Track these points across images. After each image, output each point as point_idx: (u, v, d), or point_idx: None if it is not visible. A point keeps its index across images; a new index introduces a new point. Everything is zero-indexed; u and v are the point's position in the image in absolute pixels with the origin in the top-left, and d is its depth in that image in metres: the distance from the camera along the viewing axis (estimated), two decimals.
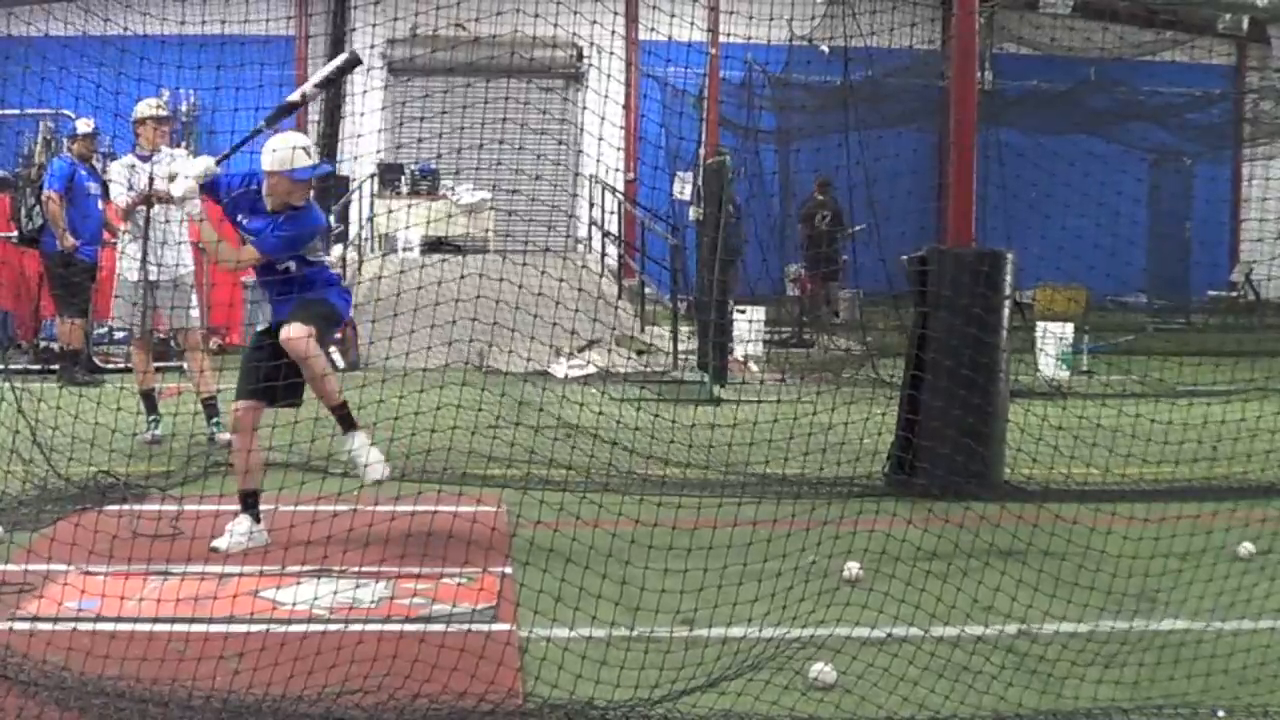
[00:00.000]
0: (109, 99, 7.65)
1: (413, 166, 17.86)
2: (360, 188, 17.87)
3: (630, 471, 7.84)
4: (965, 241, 8.12)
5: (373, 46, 18.11)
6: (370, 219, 17.88)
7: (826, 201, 17.54)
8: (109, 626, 4.70)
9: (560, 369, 13.07)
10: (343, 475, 7.02)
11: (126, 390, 9.35)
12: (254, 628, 4.83)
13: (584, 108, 18.77)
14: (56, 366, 11.96)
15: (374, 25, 17.09)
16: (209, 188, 6.29)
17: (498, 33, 7.80)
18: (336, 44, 19.08)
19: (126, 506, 6.60)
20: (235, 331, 14.65)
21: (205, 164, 6.20)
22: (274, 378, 6.13)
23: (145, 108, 8.80)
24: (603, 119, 9.53)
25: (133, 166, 8.75)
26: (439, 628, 4.82)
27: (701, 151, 14.54)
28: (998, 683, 4.35)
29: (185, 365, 9.88)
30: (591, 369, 13.25)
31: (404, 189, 18.01)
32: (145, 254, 8.63)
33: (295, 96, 6.56)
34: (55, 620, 4.79)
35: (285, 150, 6.15)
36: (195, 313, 9.11)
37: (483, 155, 7.93)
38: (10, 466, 6.92)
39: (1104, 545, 5.64)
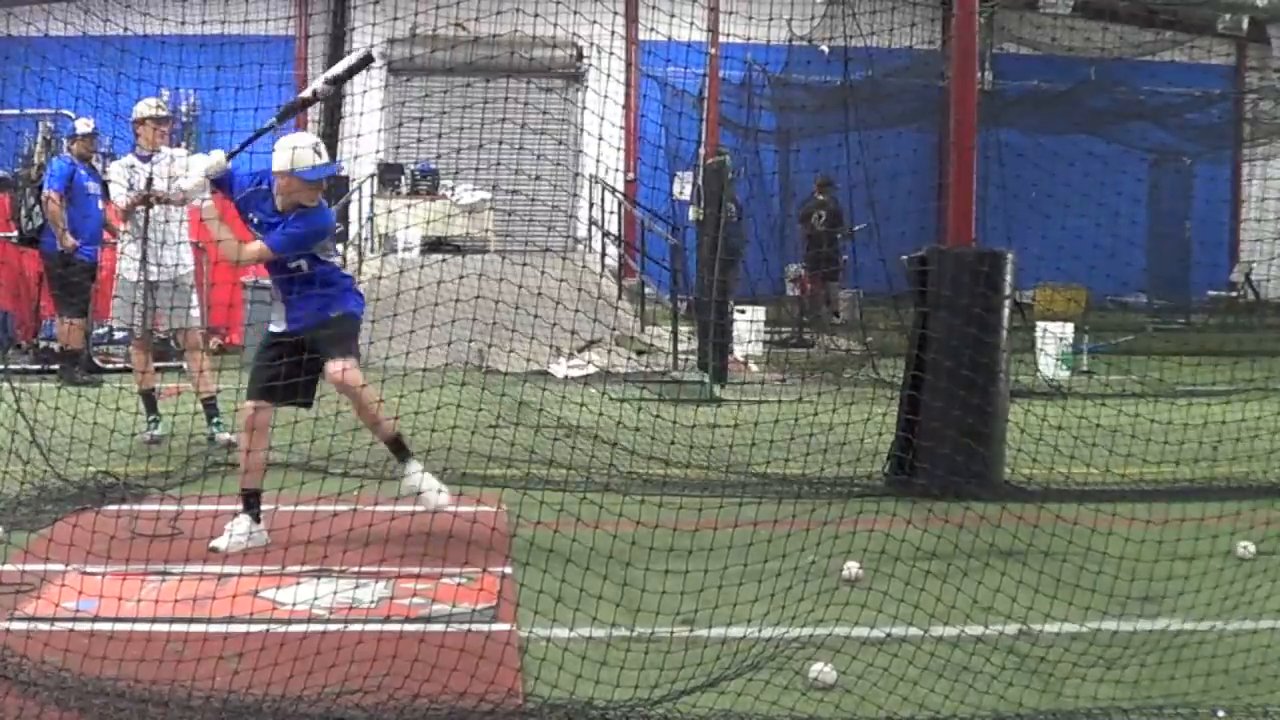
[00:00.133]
0: (109, 99, 7.64)
1: (413, 166, 17.85)
2: (360, 187, 17.88)
3: (630, 472, 7.84)
4: (965, 241, 8.12)
5: (372, 46, 18.07)
6: (370, 219, 17.87)
7: (825, 201, 17.54)
8: (108, 627, 4.69)
9: (560, 369, 13.07)
10: (343, 475, 7.03)
11: (126, 390, 9.36)
12: (254, 628, 4.82)
13: (584, 107, 18.77)
14: (56, 366, 11.96)
15: (374, 25, 17.08)
16: (222, 184, 6.29)
17: (497, 32, 7.79)
18: (336, 44, 19.08)
19: (126, 506, 6.60)
20: (235, 331, 14.65)
21: (216, 158, 6.20)
22: (287, 379, 6.14)
23: (145, 108, 8.79)
24: (602, 119, 9.55)
25: (132, 166, 8.74)
26: (439, 628, 4.82)
27: (701, 151, 14.55)
28: (998, 683, 4.34)
29: (185, 365, 9.87)
30: (591, 369, 13.24)
31: (404, 189, 18.00)
32: (145, 254, 8.62)
33: (307, 93, 6.56)
34: (54, 620, 4.78)
35: (294, 151, 6.14)
36: (195, 312, 9.10)
37: (482, 155, 7.92)
38: (9, 466, 6.91)
39: (1104, 546, 5.63)
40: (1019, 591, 5.17)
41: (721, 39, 14.16)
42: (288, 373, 6.13)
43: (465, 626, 4.84)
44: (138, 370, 9.03)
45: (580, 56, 19.77)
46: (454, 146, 10.40)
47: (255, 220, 6.30)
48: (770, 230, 17.26)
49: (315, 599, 5.32)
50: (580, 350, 13.61)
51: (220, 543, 6.08)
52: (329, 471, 7.12)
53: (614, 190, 17.91)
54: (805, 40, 14.82)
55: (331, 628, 4.82)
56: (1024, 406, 8.43)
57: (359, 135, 16.75)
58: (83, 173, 11.64)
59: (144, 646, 4.42)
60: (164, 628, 4.72)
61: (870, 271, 13.31)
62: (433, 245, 16.59)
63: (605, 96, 11.96)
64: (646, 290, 16.67)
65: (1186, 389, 9.92)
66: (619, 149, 18.50)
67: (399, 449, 6.40)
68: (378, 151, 17.95)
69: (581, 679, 4.28)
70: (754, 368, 14.04)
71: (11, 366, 11.64)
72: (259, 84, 6.81)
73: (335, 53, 19.10)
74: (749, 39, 10.71)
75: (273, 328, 6.41)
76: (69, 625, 4.68)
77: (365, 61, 6.69)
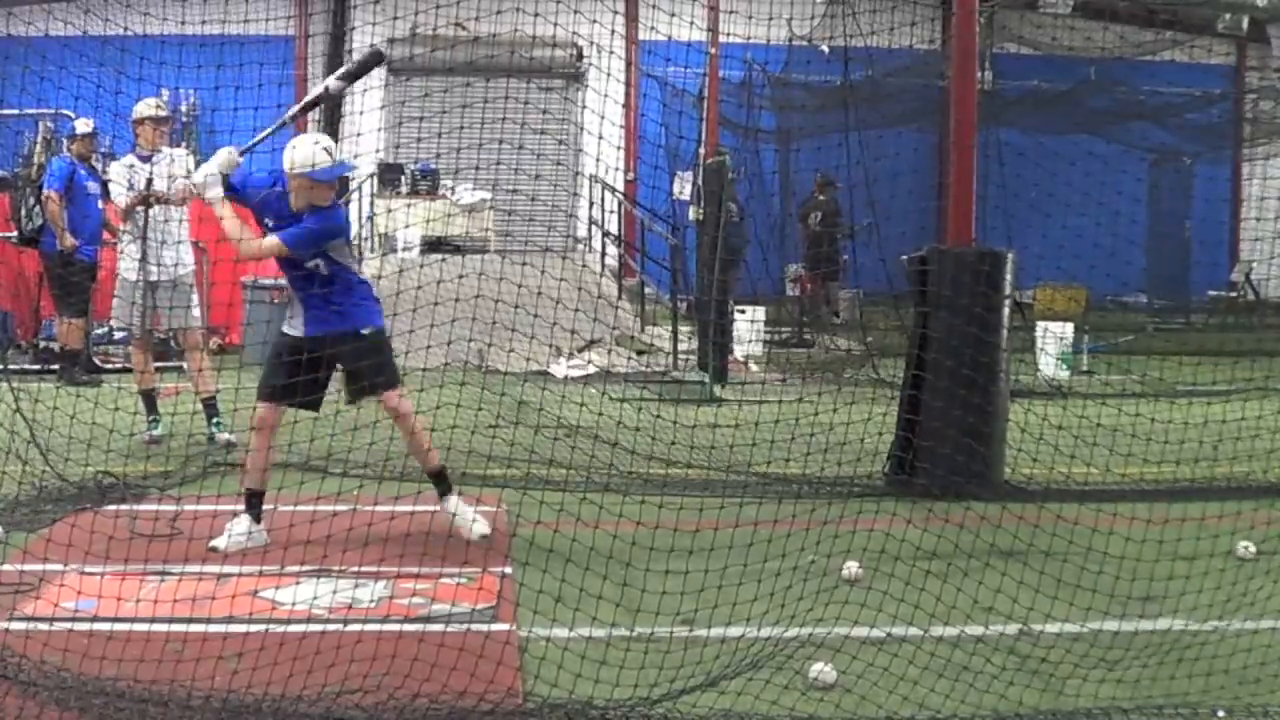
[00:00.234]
0: (109, 99, 7.64)
1: (412, 166, 17.85)
2: (360, 187, 17.87)
3: (630, 472, 7.83)
4: (965, 241, 8.11)
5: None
6: (370, 218, 17.87)
7: (825, 201, 17.54)
8: (108, 627, 4.69)
9: (560, 369, 13.07)
10: (342, 475, 7.03)
11: (126, 390, 9.36)
12: (253, 628, 4.82)
13: (584, 107, 18.76)
14: (56, 366, 11.95)
15: (374, 25, 17.08)
16: (237, 189, 6.25)
17: (497, 32, 7.78)
18: (336, 43, 19.07)
19: (126, 506, 6.59)
20: (235, 331, 14.64)
21: (228, 153, 6.18)
22: (300, 383, 6.14)
23: (144, 108, 8.79)
24: (603, 118, 9.54)
25: (131, 166, 8.74)
26: (438, 627, 4.82)
27: (701, 151, 14.54)
28: (998, 683, 4.34)
29: (185, 365, 9.87)
30: (591, 369, 13.24)
31: (404, 189, 18.00)
32: (144, 254, 8.62)
33: (320, 90, 6.55)
34: (53, 620, 4.78)
35: (307, 151, 6.11)
36: (196, 312, 9.09)
37: (483, 155, 7.92)
38: (9, 466, 6.91)
39: (1104, 546, 5.63)
40: (1019, 591, 5.17)
41: (721, 38, 14.14)
42: (299, 377, 6.12)
43: (465, 626, 4.84)
44: (138, 370, 9.03)
45: (580, 56, 19.76)
46: (454, 146, 10.38)
47: (270, 223, 6.25)
48: (770, 230, 17.25)
49: (315, 599, 5.32)
50: (580, 350, 13.61)
51: (219, 542, 6.08)
52: (329, 471, 7.12)
53: (614, 190, 17.91)
54: (805, 40, 14.82)
55: (331, 627, 4.82)
56: (1024, 406, 8.44)
57: (359, 135, 16.74)
58: (82, 173, 11.64)
59: (144, 646, 4.42)
60: (164, 628, 4.72)
61: (870, 271, 13.30)
62: (433, 245, 16.59)
63: (605, 96, 11.96)
64: (646, 290, 16.67)
65: (1187, 389, 9.93)
66: (619, 148, 18.50)
67: (440, 481, 6.37)
68: (377, 151, 17.94)
69: (581, 679, 4.27)
70: (754, 368, 14.03)
71: (11, 366, 11.64)
72: (259, 84, 6.81)
73: (335, 52, 19.11)
74: (749, 38, 10.70)
75: (288, 330, 6.36)
76: (69, 625, 4.68)
77: (377, 58, 6.68)
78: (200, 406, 8.75)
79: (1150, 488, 7.71)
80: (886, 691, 4.24)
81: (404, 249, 16.63)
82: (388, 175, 18.11)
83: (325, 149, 6.16)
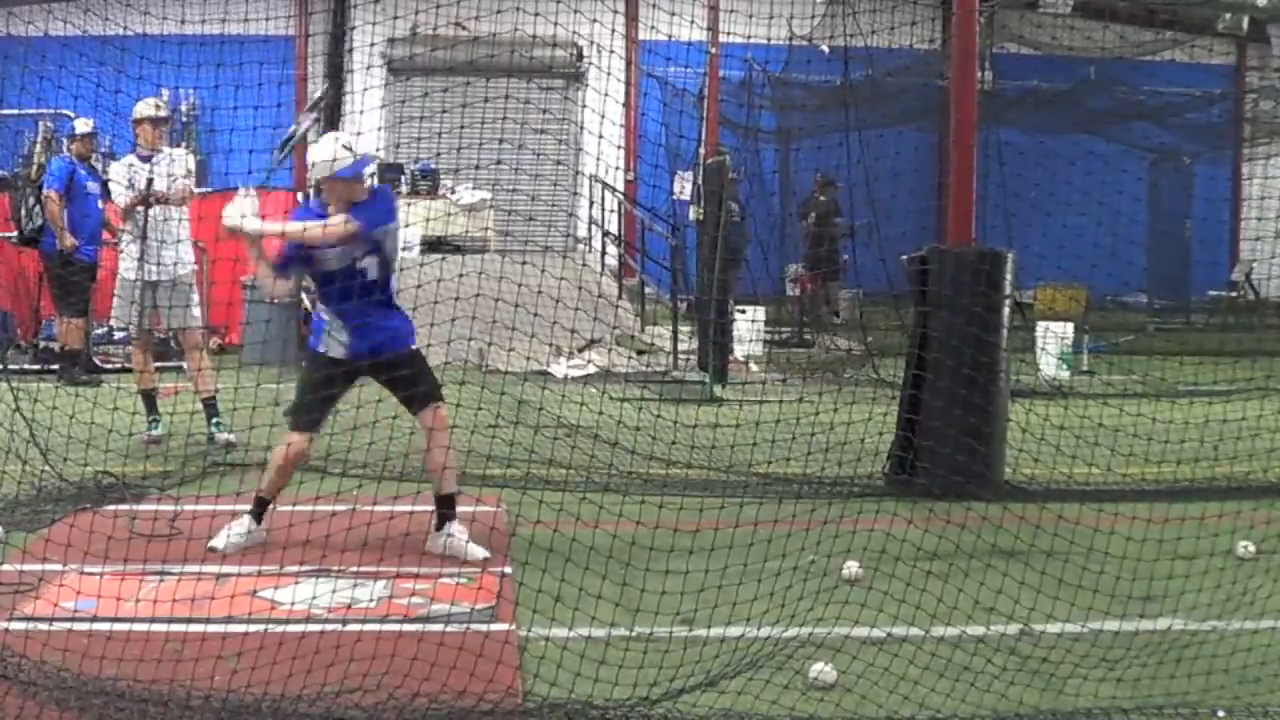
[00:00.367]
0: (109, 99, 7.64)
1: (412, 166, 17.84)
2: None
3: (630, 472, 7.83)
4: (965, 241, 8.11)
5: (372, 45, 18.09)
6: None
7: (826, 201, 17.54)
8: (108, 627, 4.69)
9: (560, 369, 13.06)
10: (341, 475, 7.03)
11: (125, 390, 9.35)
12: (253, 627, 4.82)
13: (584, 106, 18.75)
14: (56, 366, 11.95)
15: (374, 24, 17.07)
16: (297, 255, 6.17)
17: (498, 32, 7.78)
18: (336, 43, 19.06)
19: (126, 506, 6.59)
20: (234, 331, 14.64)
21: (250, 197, 6.09)
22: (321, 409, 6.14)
23: (143, 108, 8.79)
24: (603, 118, 9.51)
25: (131, 166, 8.74)
26: (438, 627, 4.81)
27: (701, 151, 14.54)
28: (999, 682, 4.34)
29: (185, 365, 9.86)
30: (591, 369, 13.24)
31: (404, 188, 17.98)
32: (143, 253, 8.62)
33: (301, 129, 6.55)
34: (53, 620, 4.78)
35: (328, 153, 6.05)
36: (196, 312, 9.08)
37: (483, 154, 7.91)
38: (9, 466, 6.91)
39: (1105, 545, 5.63)
40: (1020, 592, 5.16)
41: (722, 38, 14.15)
42: (330, 400, 6.11)
43: (464, 626, 4.84)
44: (138, 370, 9.03)
45: (580, 56, 19.75)
46: (454, 146, 10.38)
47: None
48: (770, 230, 17.24)
49: (314, 599, 5.31)
50: (580, 350, 13.61)
51: (218, 541, 6.07)
52: (328, 471, 7.12)
53: (614, 190, 17.90)
54: (805, 40, 14.81)
55: (331, 627, 4.82)
56: (1025, 406, 8.43)
57: (359, 134, 16.73)
58: (82, 172, 11.64)
59: (144, 646, 4.41)
60: (164, 628, 4.72)
61: (870, 271, 13.30)
62: (433, 245, 16.59)
63: (606, 95, 11.92)
64: (646, 290, 16.66)
65: (1187, 389, 9.92)
66: (619, 148, 18.49)
67: (448, 506, 6.17)
68: (377, 150, 17.92)
69: (581, 678, 4.27)
70: (754, 368, 14.03)
71: (11, 366, 11.64)
72: (259, 83, 6.81)
73: (335, 52, 19.09)
74: (749, 38, 10.71)
75: (328, 351, 6.12)
76: (68, 625, 4.68)
77: (331, 95, 6.70)
78: (200, 406, 8.75)
79: (1150, 488, 7.71)
80: (886, 691, 4.24)
81: (404, 249, 16.59)
82: (388, 175, 18.08)
83: (345, 146, 6.09)
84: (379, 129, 17.97)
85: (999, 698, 4.23)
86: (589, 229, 18.24)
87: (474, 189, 17.42)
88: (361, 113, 16.53)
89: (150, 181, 8.63)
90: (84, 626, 4.67)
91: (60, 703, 4.06)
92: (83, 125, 11.62)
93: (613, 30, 9.48)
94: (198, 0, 7.01)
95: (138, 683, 4.18)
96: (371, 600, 5.29)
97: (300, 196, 16.66)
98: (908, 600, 5.03)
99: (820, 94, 17.63)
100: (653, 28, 9.15)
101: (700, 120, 15.37)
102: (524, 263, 7.41)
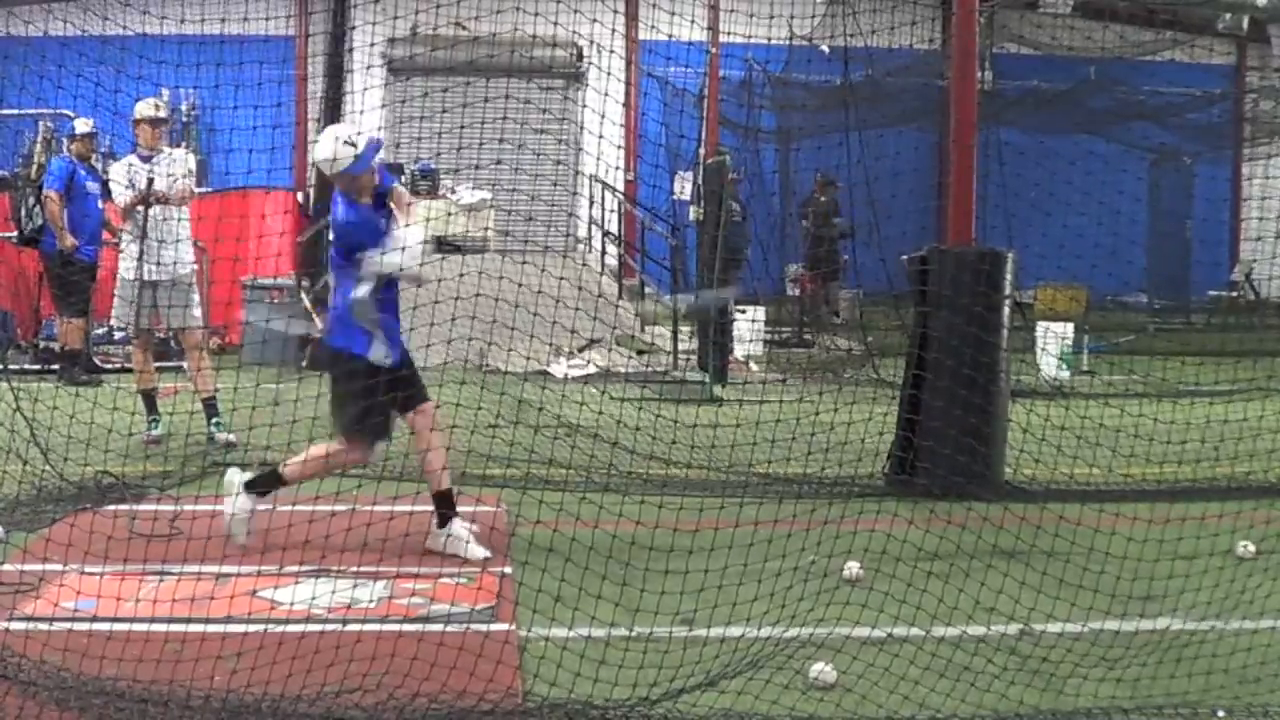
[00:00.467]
0: (109, 99, 7.64)
1: (412, 166, 17.84)
2: None
3: (630, 472, 7.83)
4: (966, 241, 8.11)
5: (372, 45, 18.09)
6: None
7: (825, 201, 17.53)
8: (108, 627, 4.69)
9: (560, 369, 13.06)
10: (341, 475, 7.02)
11: (125, 390, 9.35)
12: (253, 628, 4.82)
13: (584, 107, 18.75)
14: (56, 366, 11.95)
15: (374, 24, 17.07)
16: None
17: (498, 32, 7.78)
18: (336, 43, 19.05)
19: (126, 506, 6.59)
20: (234, 331, 14.64)
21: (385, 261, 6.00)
22: (385, 416, 6.10)
23: (142, 108, 8.79)
24: (603, 118, 9.51)
25: (131, 166, 8.75)
26: (438, 627, 4.81)
27: (701, 151, 14.54)
28: (999, 683, 4.34)
29: (185, 365, 9.87)
30: (591, 369, 13.24)
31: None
32: (141, 253, 8.62)
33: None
34: (53, 620, 4.78)
35: (330, 154, 6.01)
36: (197, 311, 9.08)
37: (483, 154, 7.92)
38: (9, 466, 6.91)
39: (1105, 546, 5.63)
40: (1020, 592, 5.16)
41: (722, 38, 14.16)
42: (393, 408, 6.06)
43: (464, 626, 4.84)
44: (138, 370, 9.03)
45: (580, 56, 19.75)
46: (454, 146, 10.39)
47: (376, 239, 6.06)
48: (770, 230, 17.24)
49: (314, 599, 5.31)
50: (580, 350, 13.61)
51: (239, 537, 6.06)
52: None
53: (614, 190, 17.90)
54: (805, 40, 14.80)
55: (331, 627, 4.82)
56: (1025, 406, 8.43)
57: (358, 134, 16.72)
58: (82, 172, 11.64)
59: (144, 646, 4.41)
60: (164, 628, 4.72)
61: (870, 271, 13.31)
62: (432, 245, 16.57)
63: (606, 95, 11.93)
64: (646, 290, 16.65)
65: (1187, 389, 9.91)
66: (619, 148, 18.49)
67: (446, 505, 6.14)
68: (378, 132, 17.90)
69: (581, 678, 4.27)
70: (754, 368, 14.03)
71: (11, 366, 11.64)
72: (259, 83, 6.81)
73: (335, 52, 19.08)
74: (749, 38, 10.71)
75: (377, 359, 6.04)
76: (69, 625, 4.68)
77: None
78: (200, 406, 8.75)
79: (1151, 488, 7.71)
80: (887, 691, 4.24)
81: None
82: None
83: (348, 142, 6.04)
84: (379, 129, 18.00)
85: (999, 698, 4.23)
86: (589, 229, 18.24)
87: (474, 189, 17.41)
88: (361, 113, 16.54)
89: (150, 181, 8.63)
90: (84, 626, 4.67)
91: (60, 703, 4.06)
92: (83, 125, 11.62)
93: (613, 30, 9.48)
94: (197, 0, 7.01)
95: (138, 683, 4.18)
96: (371, 600, 5.29)
97: (300, 197, 16.68)
98: (908, 600, 5.03)
99: (820, 94, 17.62)
100: (653, 28, 9.16)
101: (700, 120, 15.37)
102: (524, 263, 7.41)
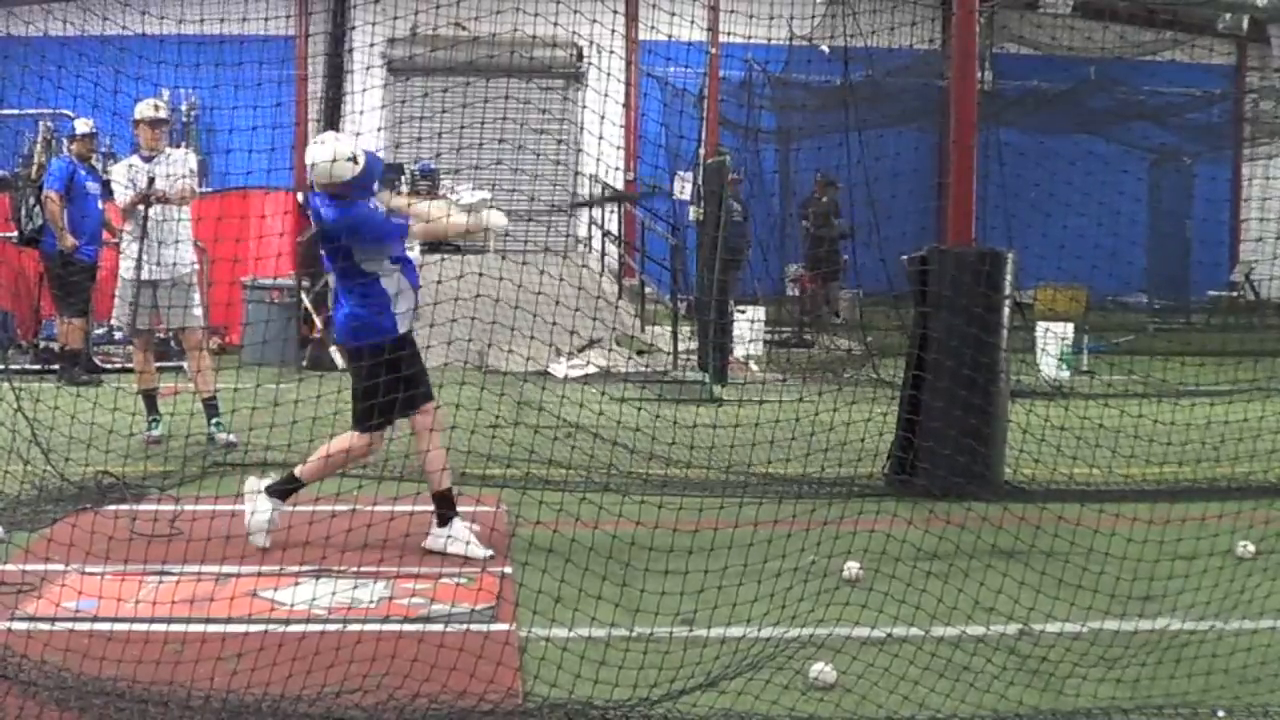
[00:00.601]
0: (109, 99, 7.64)
1: (412, 166, 17.84)
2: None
3: (630, 472, 7.83)
4: (965, 241, 8.11)
5: (372, 45, 18.09)
6: None
7: (825, 202, 17.53)
8: (108, 627, 4.69)
9: (560, 369, 13.06)
10: (341, 475, 7.02)
11: (126, 390, 9.35)
12: (253, 628, 4.82)
13: (584, 107, 18.76)
14: (56, 366, 11.96)
15: (374, 24, 17.07)
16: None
17: (498, 32, 7.78)
18: (336, 43, 19.06)
19: (127, 506, 6.59)
20: (235, 331, 14.64)
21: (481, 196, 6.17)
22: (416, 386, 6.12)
23: (142, 109, 8.79)
24: (603, 118, 9.52)
25: (132, 166, 8.75)
26: (438, 627, 4.82)
27: (701, 151, 14.54)
28: (998, 683, 4.34)
29: (185, 365, 9.87)
30: (591, 369, 13.24)
31: (403, 189, 17.97)
32: (141, 253, 8.62)
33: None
34: (54, 620, 4.78)
35: (326, 165, 5.98)
36: (197, 311, 9.08)
37: (483, 155, 7.92)
38: (9, 466, 6.91)
39: (1105, 546, 5.63)
40: (1020, 592, 5.17)
41: (722, 38, 14.14)
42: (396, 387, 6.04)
43: (465, 626, 4.84)
44: (138, 370, 9.04)
45: (580, 56, 19.76)
46: (454, 146, 10.39)
47: (400, 242, 6.22)
48: (770, 230, 17.25)
49: (314, 599, 5.32)
50: (580, 350, 13.61)
51: (258, 539, 6.06)
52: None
53: (615, 190, 17.90)
54: (805, 40, 14.80)
55: (331, 628, 4.82)
56: (1025, 407, 8.43)
57: (358, 135, 16.74)
58: (82, 173, 11.64)
59: (144, 646, 4.41)
60: (164, 628, 4.72)
61: (870, 271, 13.31)
62: (432, 245, 16.56)
63: (605, 96, 11.94)
64: (646, 290, 16.66)
65: (1187, 389, 9.91)
66: (619, 148, 18.49)
67: (446, 505, 6.14)
68: (377, 151, 17.91)
69: (581, 679, 4.27)
70: (754, 368, 14.03)
71: (11, 366, 11.64)
72: (259, 83, 6.81)
73: (335, 52, 19.09)
74: (749, 38, 10.70)
75: (405, 328, 6.14)
76: (69, 625, 4.68)
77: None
78: (200, 406, 8.75)
79: (1150, 488, 7.71)
80: (886, 691, 4.24)
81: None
82: (387, 175, 18.06)
83: (349, 159, 6.02)
84: (379, 129, 18.00)
85: (999, 698, 4.24)
86: (589, 229, 18.24)
87: (474, 190, 17.39)
88: (361, 113, 16.55)
89: (151, 181, 8.63)
90: (85, 627, 4.68)
91: (60, 703, 4.06)
92: (83, 125, 11.62)
93: (613, 30, 9.48)
94: (197, 0, 7.01)
95: (138, 683, 4.18)
96: (372, 601, 5.29)
97: (300, 197, 16.66)
98: (908, 600, 5.03)
99: (820, 94, 17.62)
100: (653, 28, 9.15)
101: (700, 120, 15.36)
102: (524, 263, 7.41)
